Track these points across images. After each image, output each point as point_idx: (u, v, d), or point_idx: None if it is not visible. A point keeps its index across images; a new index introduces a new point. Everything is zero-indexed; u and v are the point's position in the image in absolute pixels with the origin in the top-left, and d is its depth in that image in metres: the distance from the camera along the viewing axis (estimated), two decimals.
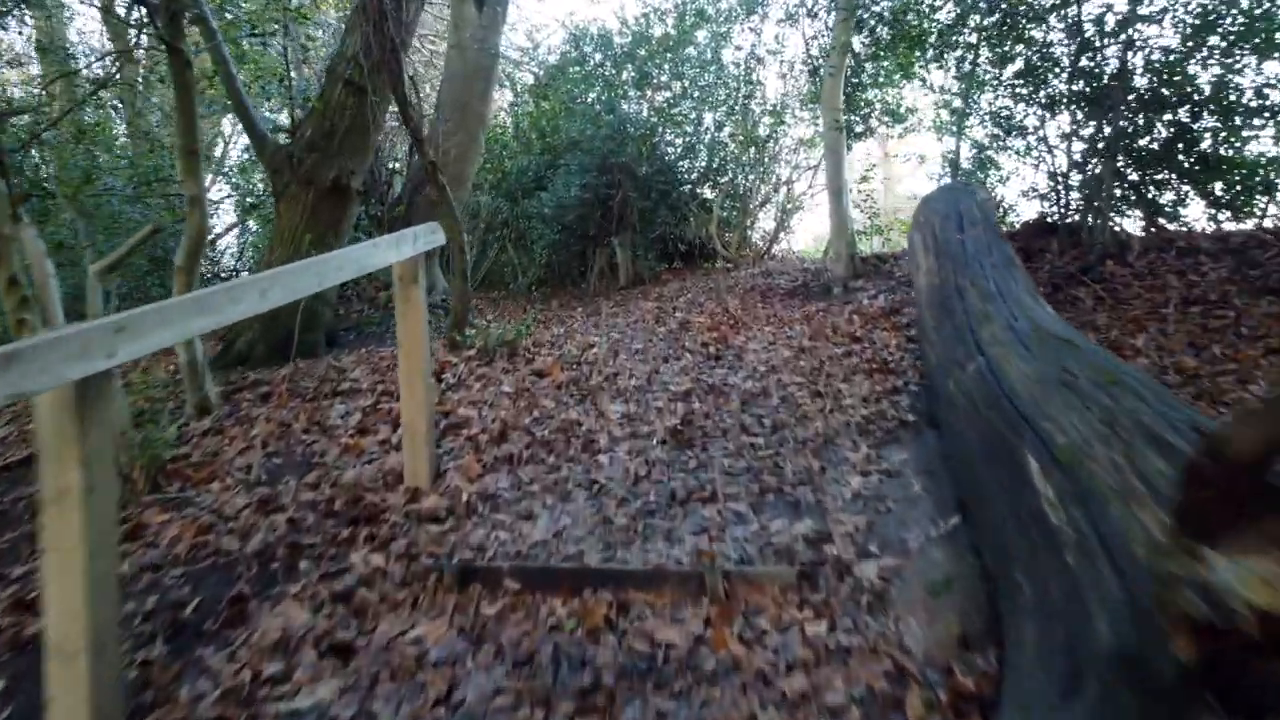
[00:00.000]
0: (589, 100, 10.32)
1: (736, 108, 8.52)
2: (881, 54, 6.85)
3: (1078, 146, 5.74)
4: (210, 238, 7.34)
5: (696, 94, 9.58)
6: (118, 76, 5.90)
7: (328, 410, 3.22)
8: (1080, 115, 5.75)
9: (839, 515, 2.07)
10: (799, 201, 8.68)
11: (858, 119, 7.16)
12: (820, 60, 7.27)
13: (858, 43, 6.92)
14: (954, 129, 6.70)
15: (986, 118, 6.63)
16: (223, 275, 6.55)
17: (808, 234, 10.15)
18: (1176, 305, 4.21)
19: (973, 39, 6.32)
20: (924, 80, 6.84)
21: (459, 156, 6.87)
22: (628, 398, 3.49)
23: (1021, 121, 5.97)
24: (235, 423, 3.25)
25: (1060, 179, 5.94)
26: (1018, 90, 6.13)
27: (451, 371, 3.81)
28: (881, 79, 7.01)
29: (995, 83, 6.48)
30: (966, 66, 6.57)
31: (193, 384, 3.40)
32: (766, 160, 8.92)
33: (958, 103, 6.64)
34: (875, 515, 2.05)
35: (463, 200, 7.18)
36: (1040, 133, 5.90)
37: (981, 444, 1.78)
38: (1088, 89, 5.64)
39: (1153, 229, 5.53)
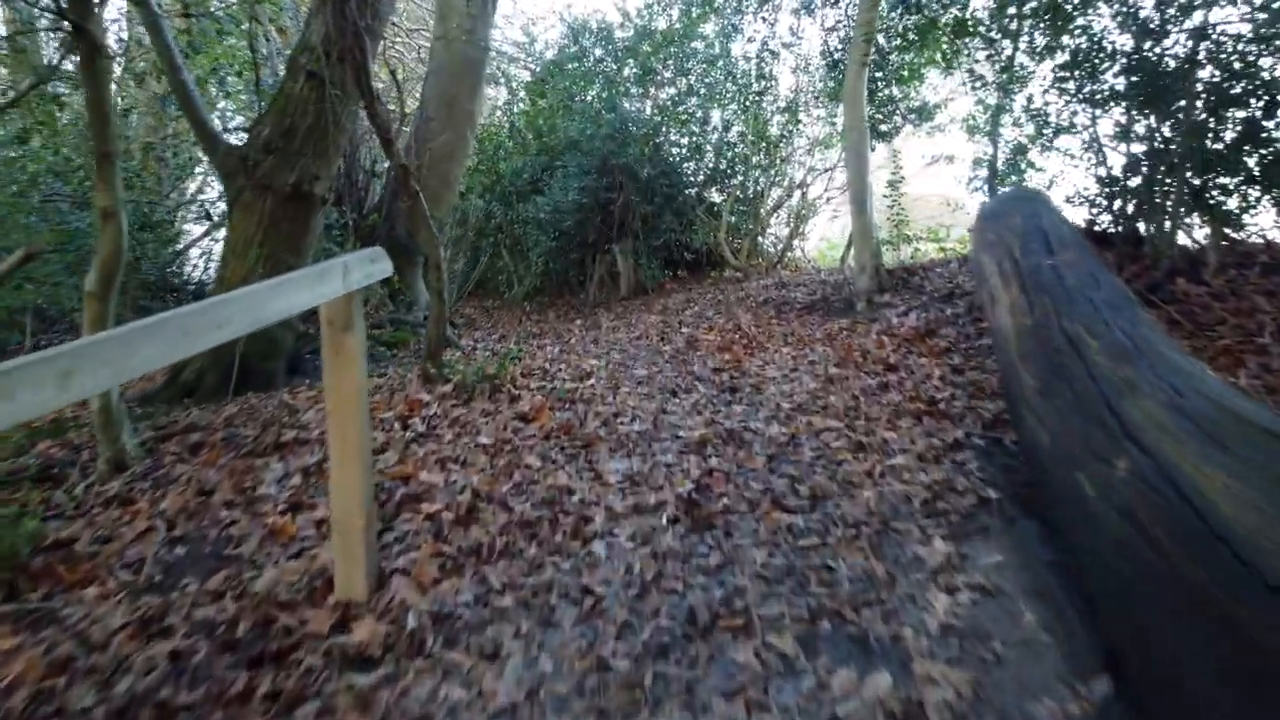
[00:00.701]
0: (588, 98, 9.76)
1: (749, 105, 7.94)
2: (909, 45, 6.26)
3: (1135, 147, 5.15)
4: (180, 248, 6.79)
5: (703, 91, 9.01)
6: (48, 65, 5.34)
7: (261, 471, 2.64)
8: (1134, 112, 5.16)
9: (927, 665, 1.48)
10: (814, 206, 8.10)
11: (881, 117, 6.59)
12: (841, 53, 6.70)
13: (882, 35, 6.35)
14: (990, 128, 6.11)
15: (1025, 116, 6.04)
16: (190, 290, 5.95)
17: (817, 236, 9.55)
18: (1273, 333, 3.62)
19: (1013, 27, 5.74)
20: (959, 68, 6.24)
21: (446, 157, 6.30)
22: (630, 449, 2.91)
23: (1071, 119, 5.37)
24: (151, 485, 2.67)
25: (1112, 183, 5.35)
26: (1063, 85, 5.54)
27: (421, 414, 3.23)
28: (908, 73, 6.43)
29: (1034, 77, 5.90)
30: (1003, 59, 5.98)
31: (106, 435, 2.82)
32: (779, 162, 8.34)
33: (994, 98, 6.05)
34: (980, 669, 1.46)
35: (449, 205, 6.61)
36: (1091, 131, 5.31)
37: (1160, 591, 1.20)
38: (1146, 82, 5.05)
39: (1224, 240, 4.93)
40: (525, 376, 4.19)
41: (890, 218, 6.26)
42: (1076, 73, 5.41)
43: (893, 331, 5.20)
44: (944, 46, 6.14)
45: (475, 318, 11.04)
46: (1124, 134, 5.12)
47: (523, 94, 10.62)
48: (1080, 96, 5.42)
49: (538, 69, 10.39)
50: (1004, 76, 5.81)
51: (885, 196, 6.54)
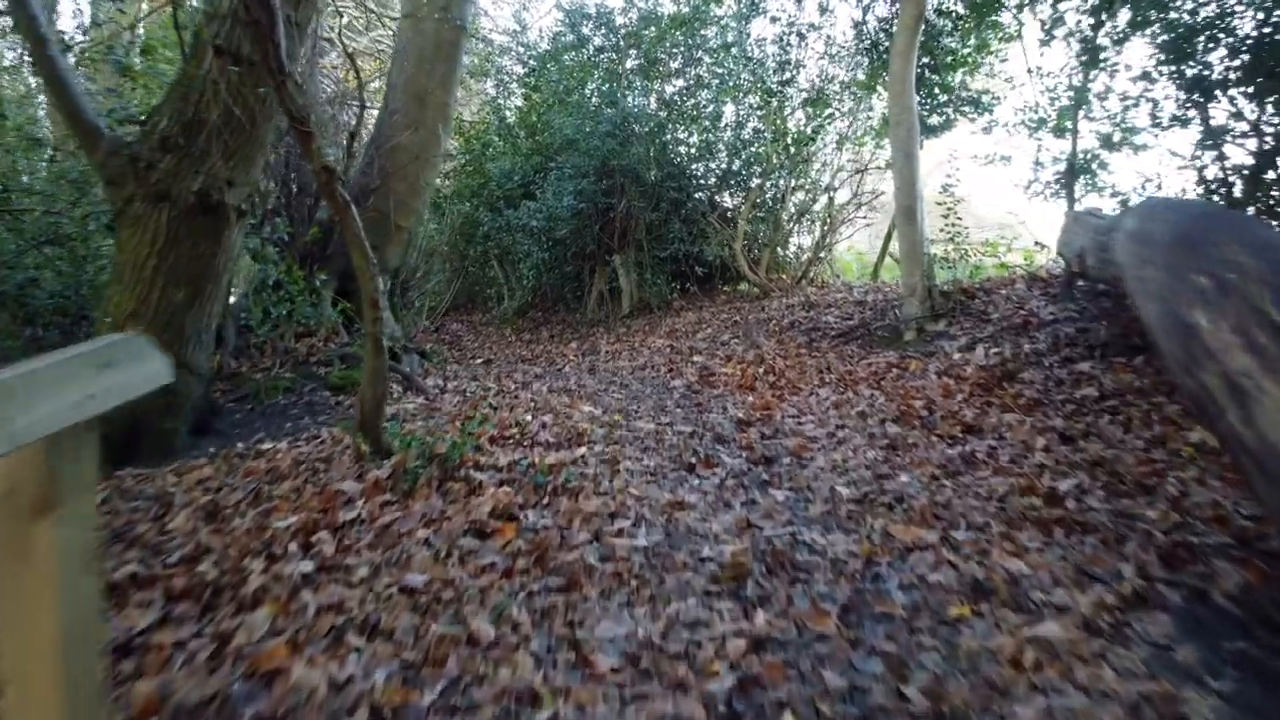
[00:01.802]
0: (586, 92, 8.86)
1: (770, 97, 7.02)
2: (964, 22, 5.34)
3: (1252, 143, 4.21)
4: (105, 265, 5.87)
5: (715, 83, 8.09)
6: None
7: None
8: (1248, 100, 4.23)
9: None
10: (844, 213, 7.18)
11: (928, 110, 5.67)
12: (880, 34, 5.80)
13: (931, 10, 5.44)
14: (1066, 120, 5.19)
15: (1105, 106, 5.11)
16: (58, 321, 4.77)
17: (843, 246, 8.60)
18: None
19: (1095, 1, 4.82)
20: (1023, 51, 5.31)
21: (414, 157, 5.39)
22: (633, 592, 1.97)
23: (1183, 111, 4.43)
24: None
25: (1222, 186, 4.42)
26: (1158, 69, 4.61)
27: (336, 520, 2.30)
28: (963, 57, 5.50)
29: (1117, 63, 4.97)
30: (1079, 40, 5.06)
31: None
32: (801, 162, 7.41)
33: (1070, 84, 5.12)
34: None
35: (419, 214, 5.70)
36: (1203, 122, 4.37)
37: None
38: (1271, 62, 4.11)
39: None
40: (496, 443, 3.26)
41: (945, 229, 5.36)
42: (1174, 54, 4.48)
43: (957, 372, 4.26)
44: (1006, 25, 5.21)
45: (460, 336, 10.12)
46: (1255, 126, 4.19)
47: (514, 87, 9.72)
48: (1176, 81, 4.49)
49: (531, 60, 9.49)
50: (1084, 59, 4.88)
51: (939, 204, 5.61)
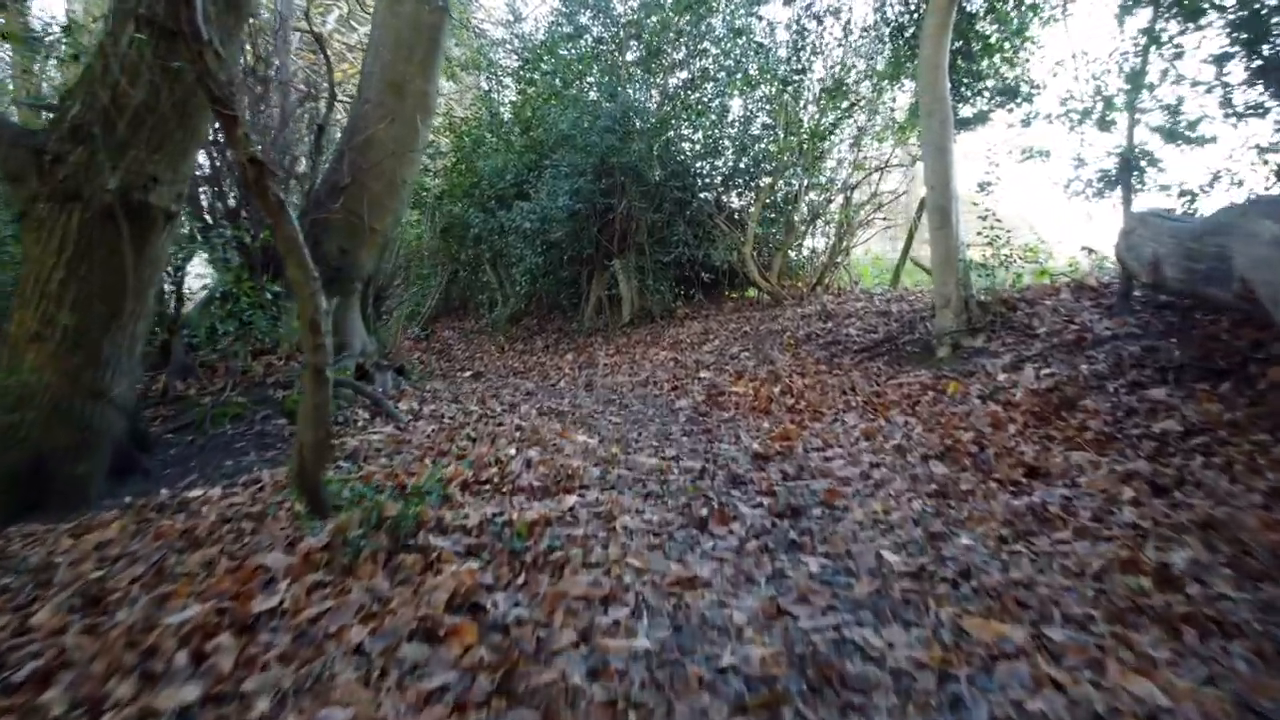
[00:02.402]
0: (585, 84, 8.37)
1: (782, 87, 6.50)
2: (1002, 3, 4.83)
3: None
4: None
5: (721, 75, 7.58)
6: None
7: None
8: None
9: None
10: (863, 214, 6.67)
11: (960, 100, 5.16)
12: (905, 16, 5.30)
13: None
14: (1115, 112, 4.68)
15: (1158, 95, 4.60)
16: None
17: (859, 249, 8.07)
18: None
19: None
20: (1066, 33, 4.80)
21: (390, 153, 4.89)
22: None
23: (1261, 96, 3.92)
24: None
25: None
26: (1232, 50, 4.10)
27: (250, 612, 1.79)
28: (999, 41, 4.99)
29: (1181, 45, 4.45)
30: (1137, 20, 4.55)
31: None
32: (815, 159, 6.90)
33: (1125, 68, 4.61)
34: None
35: (396, 215, 5.20)
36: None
37: None
38: None
39: None
40: (470, 489, 2.75)
41: (982, 232, 4.85)
42: (1245, 34, 3.97)
43: (1005, 397, 3.74)
44: (1046, 4, 4.70)
45: (451, 345, 9.62)
46: None
47: (508, 82, 9.23)
48: (1261, 65, 3.97)
49: (525, 53, 9.00)
50: (1142, 42, 4.37)
51: (974, 204, 5.10)
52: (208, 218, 4.71)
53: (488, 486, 2.82)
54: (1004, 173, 4.71)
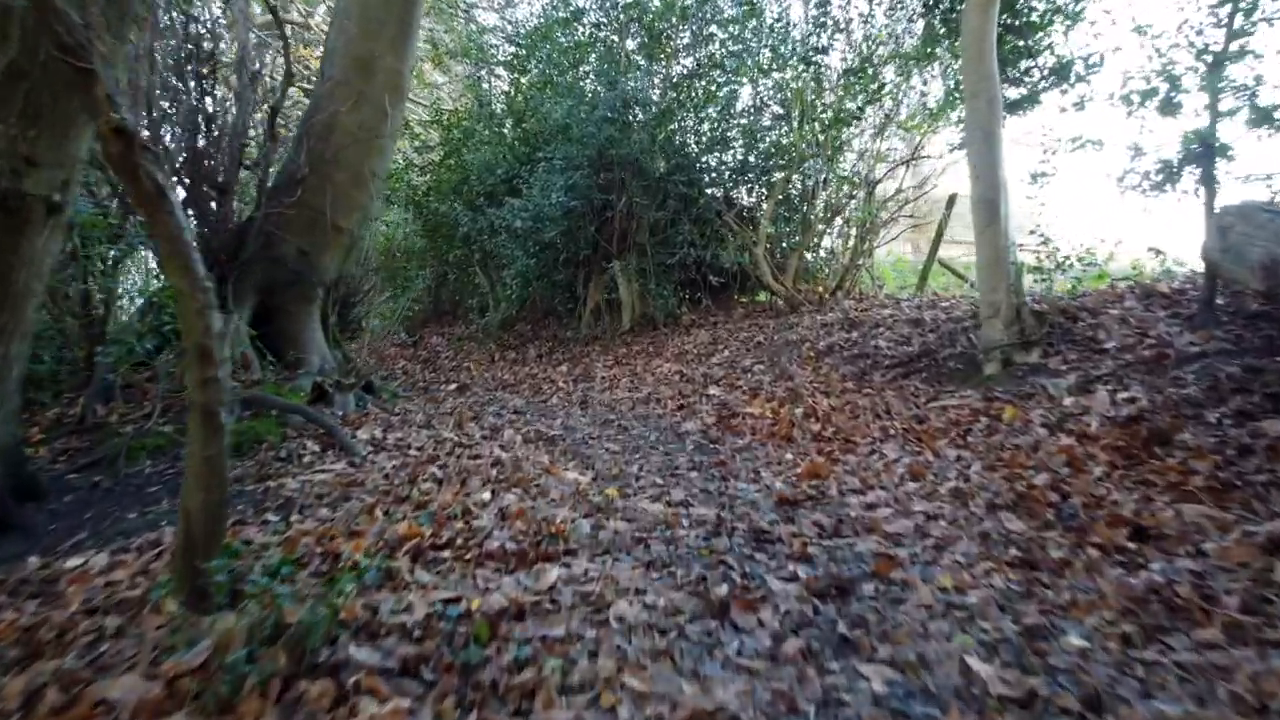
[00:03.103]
0: (581, 73, 7.80)
1: (806, 72, 5.91)
2: None
3: None
4: None
5: (730, 62, 7.01)
6: None
7: None
8: None
9: None
10: (889, 211, 6.09)
11: (1006, 82, 4.58)
12: None
13: None
14: (1182, 93, 4.09)
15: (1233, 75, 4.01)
16: None
17: (881, 250, 7.47)
18: None
19: None
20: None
21: (355, 139, 4.32)
22: None
23: None
24: None
25: None
26: None
27: None
28: (1051, 14, 4.41)
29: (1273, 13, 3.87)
30: None
31: None
32: (836, 148, 6.32)
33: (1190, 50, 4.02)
34: None
35: (365, 210, 4.63)
36: None
37: None
38: None
39: None
40: (421, 557, 2.18)
41: (1035, 229, 4.26)
42: None
43: (1077, 426, 3.14)
44: None
45: (438, 352, 9.03)
46: None
47: (500, 71, 8.66)
48: None
49: (518, 40, 8.43)
50: (1227, 9, 3.78)
51: (1029, 198, 4.51)
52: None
53: (447, 552, 2.24)
54: (1054, 164, 4.16)
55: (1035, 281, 4.35)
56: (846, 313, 5.64)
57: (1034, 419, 3.35)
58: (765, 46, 6.59)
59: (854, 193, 6.26)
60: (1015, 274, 4.01)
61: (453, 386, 6.85)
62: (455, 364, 8.10)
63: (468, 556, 2.21)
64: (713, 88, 7.17)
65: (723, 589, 2.05)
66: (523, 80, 8.30)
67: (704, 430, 4.26)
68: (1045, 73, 4.62)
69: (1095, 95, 4.51)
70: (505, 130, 8.01)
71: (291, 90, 4.77)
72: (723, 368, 5.46)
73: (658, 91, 7.45)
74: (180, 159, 3.79)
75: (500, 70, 9.03)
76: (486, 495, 2.82)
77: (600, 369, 6.31)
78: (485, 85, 8.46)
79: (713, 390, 4.98)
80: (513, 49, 8.55)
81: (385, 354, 9.69)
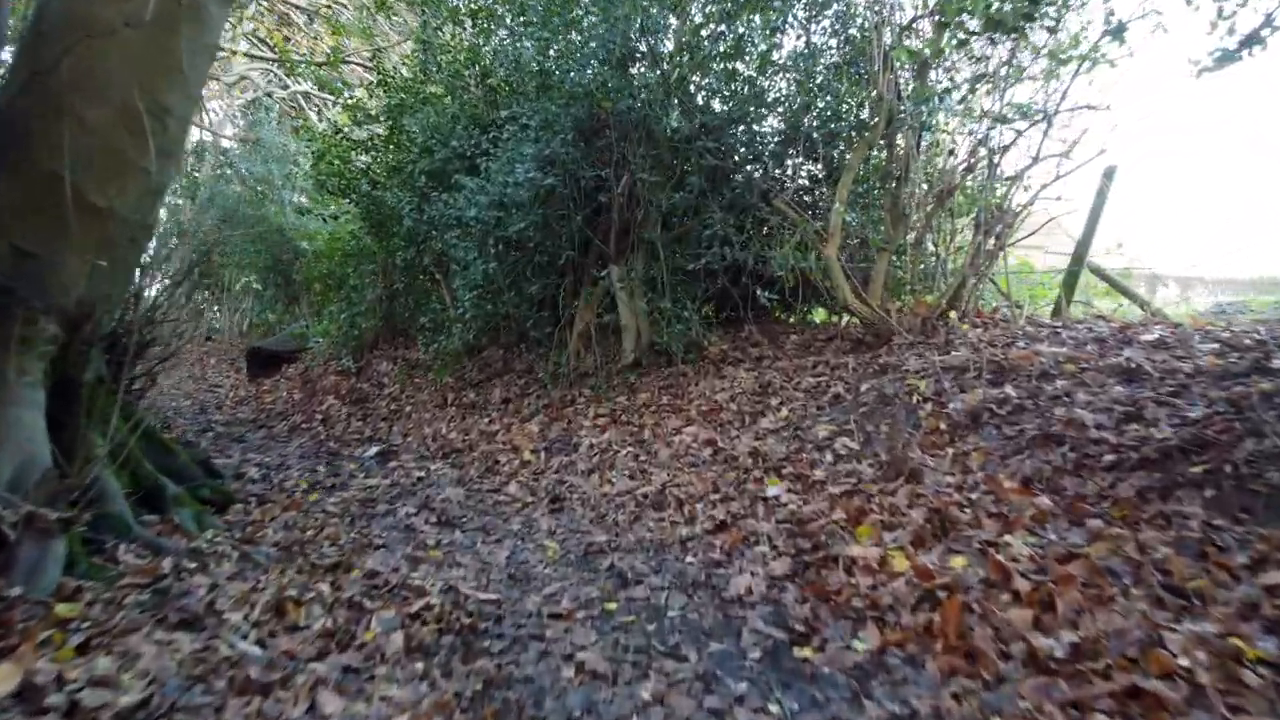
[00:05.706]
0: (571, 14, 5.82)
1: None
2: None
3: None
4: None
5: None
6: None
7: None
8: None
9: None
10: (1027, 194, 4.07)
11: None
12: None
13: None
14: None
15: None
16: None
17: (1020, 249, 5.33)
18: None
19: None
20: None
21: (127, 46, 2.36)
22: None
23: None
24: None
25: None
26: None
27: None
28: None
29: None
30: None
31: None
32: (932, 106, 4.32)
33: None
34: None
35: (150, 178, 2.63)
36: None
37: None
38: None
39: None
40: None
41: None
42: None
43: None
44: None
45: (382, 384, 7.02)
46: None
47: (465, 21, 6.68)
48: None
49: None
50: None
51: None
52: None
53: None
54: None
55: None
56: (977, 348, 3.62)
57: None
58: None
59: (974, 164, 4.26)
60: None
61: (373, 451, 4.85)
62: (394, 407, 6.12)
63: None
64: (748, 32, 5.17)
65: None
66: (489, 25, 6.32)
67: (771, 597, 2.25)
68: None
69: None
70: (468, 84, 6.05)
71: None
72: (784, 440, 3.45)
73: (671, 45, 5.45)
74: None
75: (465, 20, 7.04)
76: None
77: (587, 431, 4.29)
78: (438, 30, 6.48)
79: (774, 492, 2.96)
80: None
81: (319, 386, 7.74)
